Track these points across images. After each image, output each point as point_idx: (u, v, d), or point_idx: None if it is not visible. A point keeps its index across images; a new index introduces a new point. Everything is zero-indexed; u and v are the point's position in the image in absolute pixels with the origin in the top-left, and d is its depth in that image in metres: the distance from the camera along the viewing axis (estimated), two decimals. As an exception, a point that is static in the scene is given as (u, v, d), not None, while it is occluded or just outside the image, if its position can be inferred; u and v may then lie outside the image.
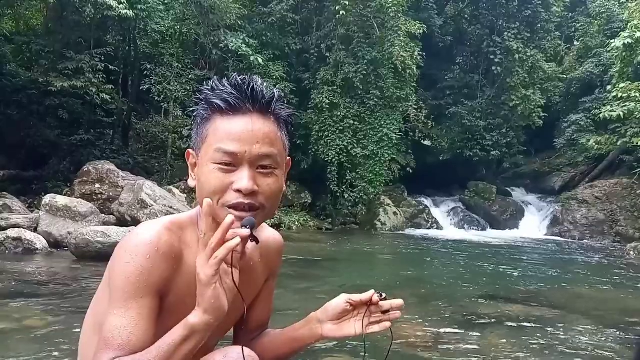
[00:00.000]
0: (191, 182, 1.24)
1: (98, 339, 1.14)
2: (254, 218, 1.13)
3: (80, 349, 1.33)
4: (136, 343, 1.08)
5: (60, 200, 9.12)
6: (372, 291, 1.32)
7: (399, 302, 1.32)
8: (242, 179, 1.12)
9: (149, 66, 14.44)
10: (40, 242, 8.07)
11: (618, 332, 4.98)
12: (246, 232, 1.04)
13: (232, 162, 1.13)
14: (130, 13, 11.94)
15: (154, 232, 1.16)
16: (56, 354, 3.50)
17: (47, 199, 9.09)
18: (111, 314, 1.11)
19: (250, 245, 1.26)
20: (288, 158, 1.26)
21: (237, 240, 1.02)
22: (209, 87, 1.19)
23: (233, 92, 1.15)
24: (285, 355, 1.42)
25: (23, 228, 8.37)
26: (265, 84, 1.20)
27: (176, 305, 1.17)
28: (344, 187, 15.45)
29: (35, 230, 8.54)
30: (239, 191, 1.13)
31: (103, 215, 9.63)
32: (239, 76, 1.19)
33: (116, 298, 1.12)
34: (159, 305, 1.16)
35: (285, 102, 1.24)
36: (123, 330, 1.09)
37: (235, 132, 1.13)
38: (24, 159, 12.53)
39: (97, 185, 10.97)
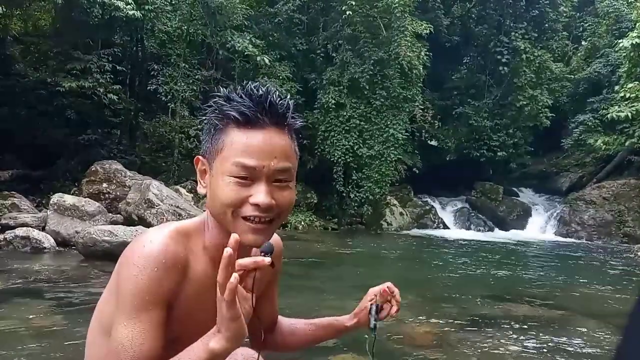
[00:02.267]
0: (202, 190, 1.23)
1: (107, 351, 1.15)
2: (267, 232, 1.17)
3: (86, 349, 1.34)
4: (147, 355, 1.10)
5: (68, 199, 9.18)
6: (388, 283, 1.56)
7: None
8: (261, 194, 1.13)
9: (156, 66, 14.51)
10: (48, 241, 8.13)
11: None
12: (268, 261, 1.04)
13: (249, 176, 1.13)
14: (137, 14, 12.00)
15: (160, 243, 1.17)
16: (63, 352, 3.53)
17: (55, 198, 9.15)
18: (120, 325, 1.12)
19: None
20: None
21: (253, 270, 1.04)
22: (224, 96, 1.18)
23: (251, 105, 1.14)
24: (307, 340, 1.60)
25: (31, 227, 8.44)
26: (278, 93, 1.18)
27: (184, 313, 1.18)
28: (350, 187, 15.45)
29: (43, 229, 8.60)
30: (256, 205, 1.13)
31: (110, 214, 9.69)
32: (253, 85, 1.17)
33: (125, 310, 1.13)
34: (167, 314, 1.17)
35: (296, 110, 1.23)
36: (134, 343, 1.10)
37: (253, 146, 1.13)
38: (32, 158, 12.61)
39: (105, 185, 11.03)
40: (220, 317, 1.03)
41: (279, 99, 1.17)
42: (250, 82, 1.19)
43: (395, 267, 9.92)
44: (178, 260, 1.17)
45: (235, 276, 0.99)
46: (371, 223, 15.87)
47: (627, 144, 15.89)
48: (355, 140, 15.24)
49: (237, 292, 1.01)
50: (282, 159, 1.15)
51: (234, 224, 1.15)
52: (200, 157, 1.23)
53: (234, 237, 1.03)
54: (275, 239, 1.48)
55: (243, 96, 1.15)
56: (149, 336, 1.11)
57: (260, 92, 1.15)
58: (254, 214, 1.14)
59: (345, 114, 15.24)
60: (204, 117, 1.21)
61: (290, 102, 1.19)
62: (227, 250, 1.00)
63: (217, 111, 1.18)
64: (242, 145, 1.13)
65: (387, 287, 1.53)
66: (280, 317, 1.64)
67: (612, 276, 9.07)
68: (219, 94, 1.19)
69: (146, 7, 12.69)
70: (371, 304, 1.51)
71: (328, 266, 8.71)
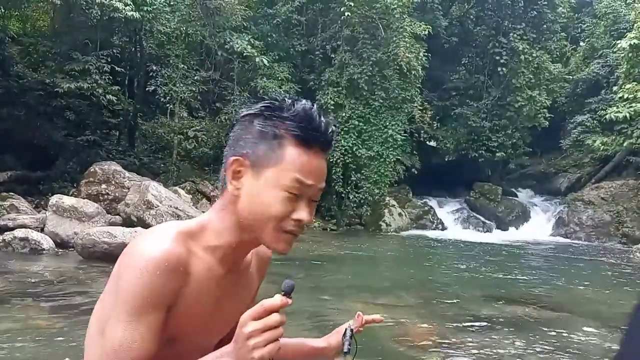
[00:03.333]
0: (234, 191, 1.20)
1: (103, 351, 1.15)
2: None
3: (85, 349, 1.34)
4: (146, 358, 1.11)
5: (67, 200, 9.17)
6: (360, 314, 1.56)
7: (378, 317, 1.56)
8: (304, 211, 1.17)
9: (154, 67, 14.50)
10: (46, 242, 8.12)
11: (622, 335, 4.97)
12: (289, 302, 1.05)
13: (299, 194, 1.17)
14: (136, 14, 11.99)
15: (162, 245, 1.17)
16: (62, 353, 3.53)
17: (54, 199, 9.14)
18: (119, 327, 1.12)
19: (249, 254, 1.33)
20: None
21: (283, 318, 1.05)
22: (284, 107, 1.18)
23: (314, 127, 1.17)
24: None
25: (30, 228, 8.42)
26: (329, 120, 1.23)
27: (183, 314, 1.18)
28: (348, 188, 15.46)
29: (42, 230, 8.59)
30: (298, 221, 1.17)
31: (109, 215, 9.68)
32: (308, 104, 1.20)
33: (125, 312, 1.13)
34: (166, 316, 1.18)
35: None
36: (134, 345, 1.11)
37: (313, 167, 1.17)
38: (31, 159, 12.60)
39: (104, 186, 11.02)
40: (242, 353, 1.05)
41: (332, 126, 1.22)
42: (307, 103, 1.21)
43: (393, 267, 9.92)
44: (180, 262, 1.17)
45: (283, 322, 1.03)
46: (370, 224, 15.88)
47: (625, 144, 15.92)
48: (354, 141, 15.26)
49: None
50: (324, 181, 1.21)
51: (271, 234, 1.18)
52: (240, 158, 1.20)
53: (282, 300, 1.04)
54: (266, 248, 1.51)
55: (308, 117, 1.18)
56: (149, 339, 1.12)
57: (318, 114, 1.19)
58: (293, 228, 1.18)
59: (344, 114, 15.25)
60: (258, 126, 1.18)
61: (334, 129, 1.24)
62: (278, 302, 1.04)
63: (277, 123, 1.18)
64: (304, 164, 1.17)
65: (361, 316, 1.56)
66: None
67: (610, 277, 9.09)
68: (273, 101, 1.20)
69: (145, 8, 12.67)
70: (346, 328, 1.49)
71: (327, 267, 8.71)
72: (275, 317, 1.03)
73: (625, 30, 17.53)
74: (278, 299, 1.04)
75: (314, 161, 1.18)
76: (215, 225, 1.23)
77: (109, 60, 12.82)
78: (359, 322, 1.54)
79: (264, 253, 1.47)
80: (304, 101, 1.20)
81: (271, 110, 1.18)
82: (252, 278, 1.41)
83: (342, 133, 15.20)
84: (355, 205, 15.49)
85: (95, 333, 1.27)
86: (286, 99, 1.20)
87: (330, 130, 1.20)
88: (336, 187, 15.26)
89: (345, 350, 1.44)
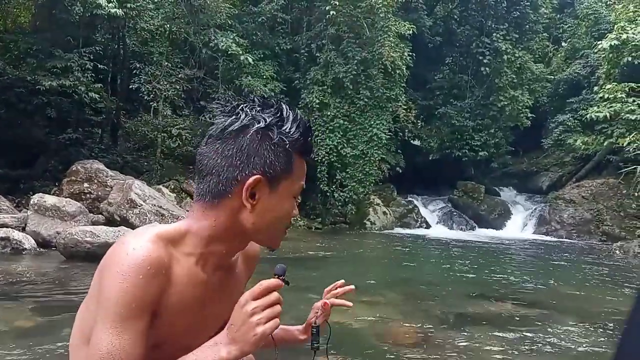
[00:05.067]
0: (249, 207, 1.20)
1: (88, 356, 1.14)
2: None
3: (70, 355, 1.33)
4: None
5: (49, 199, 9.06)
6: (327, 302, 1.61)
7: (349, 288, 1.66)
8: (296, 207, 1.30)
9: (138, 65, 14.37)
10: (28, 241, 8.02)
11: (603, 331, 5.06)
12: (282, 284, 1.15)
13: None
14: (119, 12, 11.87)
15: (144, 249, 1.16)
16: (45, 353, 3.50)
17: (36, 198, 9.03)
18: (104, 334, 1.11)
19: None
20: None
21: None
22: (287, 119, 1.22)
23: (310, 143, 1.27)
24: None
25: (11, 228, 8.31)
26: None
27: (167, 319, 1.18)
28: (333, 186, 15.49)
29: (23, 229, 8.48)
30: (293, 217, 1.30)
31: (92, 214, 9.59)
32: (302, 116, 1.26)
33: (109, 318, 1.12)
34: (151, 321, 1.17)
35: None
36: (122, 352, 1.10)
37: (305, 172, 1.29)
38: (12, 157, 12.41)
39: (86, 185, 10.91)
40: (243, 332, 1.08)
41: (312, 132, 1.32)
42: (301, 115, 1.25)
43: (378, 266, 9.98)
44: (162, 266, 1.17)
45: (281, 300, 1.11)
46: (355, 222, 15.93)
47: (605, 144, 16.17)
48: (339, 140, 15.29)
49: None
50: None
51: (280, 236, 1.29)
52: (261, 177, 1.19)
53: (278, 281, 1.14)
54: (255, 244, 1.52)
55: (302, 127, 1.24)
56: (136, 344, 1.11)
57: (308, 125, 1.27)
58: (289, 224, 1.30)
59: (329, 113, 15.28)
60: (273, 140, 1.19)
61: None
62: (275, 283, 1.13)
63: (286, 135, 1.20)
64: (303, 170, 1.27)
65: (328, 301, 1.61)
66: None
67: (591, 275, 9.23)
68: (276, 111, 1.22)
69: (128, 5, 12.55)
70: (312, 326, 1.55)
71: (311, 265, 8.73)
72: (275, 295, 1.10)
73: (605, 31, 17.81)
74: (275, 280, 1.13)
75: (305, 167, 1.29)
76: (200, 233, 1.23)
77: (92, 57, 12.68)
78: (326, 310, 1.60)
79: (252, 249, 1.48)
80: (295, 111, 1.26)
81: (280, 121, 1.21)
82: (240, 275, 1.42)
83: (327, 132, 15.22)
84: (340, 204, 15.53)
85: (80, 341, 1.25)
86: (283, 108, 1.23)
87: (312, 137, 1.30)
88: (321, 185, 15.28)
89: (313, 347, 1.50)
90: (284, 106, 1.24)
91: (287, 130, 1.20)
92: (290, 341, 1.65)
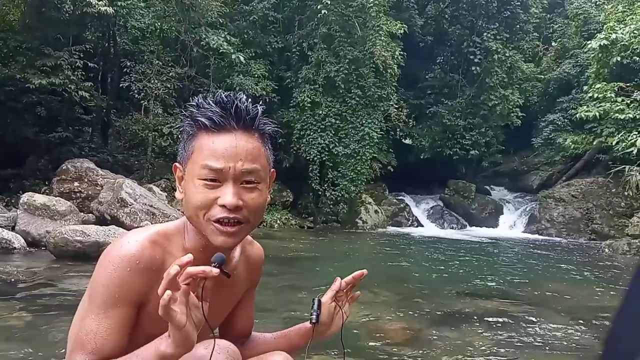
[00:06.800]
0: (178, 195, 1.28)
1: (74, 338, 1.21)
2: (238, 235, 1.21)
3: (67, 354, 1.34)
4: (108, 351, 1.16)
5: (39, 198, 8.99)
6: (337, 278, 1.53)
7: (361, 272, 1.55)
8: (227, 194, 1.17)
9: (128, 63, 14.29)
10: (18, 241, 7.96)
11: (591, 329, 5.11)
12: (216, 272, 1.05)
13: (217, 178, 1.18)
14: (109, 9, 11.80)
15: (138, 245, 1.22)
16: (37, 353, 3.48)
17: (25, 197, 8.95)
18: (89, 317, 1.19)
19: (236, 254, 1.38)
20: (272, 170, 1.32)
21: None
22: (195, 104, 1.22)
23: (217, 110, 1.19)
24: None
25: (0, 227, 8.24)
26: (249, 100, 1.23)
27: (156, 313, 1.20)
28: (325, 185, 15.51)
29: (12, 229, 8.41)
30: (223, 206, 1.17)
31: (82, 214, 9.53)
32: (224, 93, 1.23)
33: (95, 304, 1.19)
34: (137, 314, 1.23)
35: (268, 116, 1.28)
36: (98, 336, 1.17)
37: (219, 149, 1.17)
38: (1, 156, 12.31)
39: (76, 184, 10.84)
40: (170, 328, 1.08)
41: (246, 104, 1.21)
42: (220, 91, 1.23)
43: (369, 264, 10.00)
44: (153, 262, 1.22)
45: (168, 293, 1.01)
46: (347, 221, 15.95)
47: (595, 143, 16.30)
48: (331, 139, 15.31)
49: (189, 301, 1.05)
50: (249, 161, 1.19)
51: (204, 227, 1.20)
52: (177, 164, 1.27)
53: (188, 256, 1.03)
54: (259, 252, 1.54)
55: (212, 103, 1.20)
56: (114, 332, 1.17)
57: (229, 98, 1.20)
58: (222, 215, 1.18)
59: (320, 112, 15.29)
60: (179, 126, 1.26)
61: (259, 108, 1.24)
62: (174, 268, 1.02)
63: (188, 118, 1.23)
64: (209, 148, 1.18)
65: (339, 280, 1.54)
66: (254, 335, 1.61)
67: (581, 272, 9.31)
68: (191, 103, 1.24)
69: (119, 3, 12.47)
70: (313, 298, 1.52)
71: (303, 264, 8.74)
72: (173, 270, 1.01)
73: (595, 31, 17.95)
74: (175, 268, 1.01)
75: (223, 142, 1.18)
76: (188, 228, 1.29)
77: (82, 55, 12.60)
78: (336, 286, 1.53)
79: (256, 257, 1.51)
80: (221, 92, 1.23)
81: (187, 110, 1.23)
82: (239, 279, 1.44)
83: (318, 131, 15.24)
84: (331, 202, 15.55)
85: (76, 327, 1.30)
86: (205, 97, 1.24)
87: (247, 108, 1.20)
88: (313, 184, 15.30)
89: (313, 321, 1.49)
90: (211, 96, 1.23)
91: (193, 115, 1.22)
92: (303, 339, 1.56)
